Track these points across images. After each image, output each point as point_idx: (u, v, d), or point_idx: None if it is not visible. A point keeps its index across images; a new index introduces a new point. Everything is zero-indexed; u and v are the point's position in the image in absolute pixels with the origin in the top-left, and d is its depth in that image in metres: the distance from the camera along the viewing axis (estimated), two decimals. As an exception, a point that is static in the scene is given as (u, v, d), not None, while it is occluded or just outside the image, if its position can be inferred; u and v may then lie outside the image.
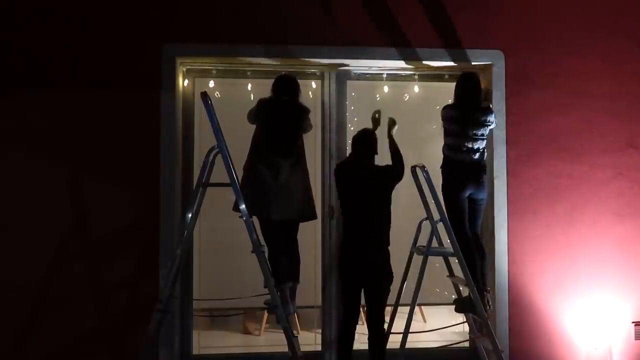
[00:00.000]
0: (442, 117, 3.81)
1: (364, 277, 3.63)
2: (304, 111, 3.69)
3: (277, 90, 3.67)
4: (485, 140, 3.79)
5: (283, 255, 3.53)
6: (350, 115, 4.38)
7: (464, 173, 3.72)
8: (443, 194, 3.74)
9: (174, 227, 3.92)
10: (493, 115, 3.82)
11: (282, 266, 3.50)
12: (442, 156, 3.84)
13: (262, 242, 3.40)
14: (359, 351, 3.73)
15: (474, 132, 3.71)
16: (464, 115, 3.71)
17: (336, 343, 3.85)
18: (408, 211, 4.29)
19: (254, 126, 3.69)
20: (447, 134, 3.78)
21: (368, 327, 3.68)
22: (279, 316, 3.22)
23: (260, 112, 3.59)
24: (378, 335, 3.66)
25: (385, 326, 3.89)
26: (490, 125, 3.79)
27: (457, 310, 3.85)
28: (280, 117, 3.56)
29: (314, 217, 3.76)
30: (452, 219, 3.68)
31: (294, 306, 3.60)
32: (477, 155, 3.74)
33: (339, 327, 3.84)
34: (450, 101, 3.90)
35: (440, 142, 3.96)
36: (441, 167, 3.82)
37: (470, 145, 3.70)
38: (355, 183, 3.68)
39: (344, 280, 3.73)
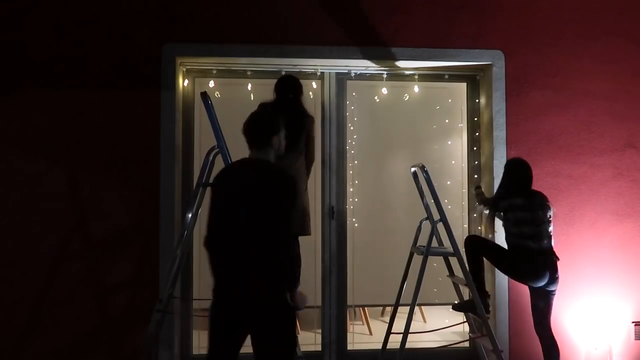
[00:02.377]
0: (504, 207, 3.56)
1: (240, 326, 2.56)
2: (308, 115, 3.65)
3: (281, 90, 3.63)
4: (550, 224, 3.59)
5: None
6: (350, 115, 4.38)
7: (543, 266, 3.49)
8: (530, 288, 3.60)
9: (174, 227, 3.92)
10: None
11: None
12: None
13: None
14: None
15: (546, 214, 3.53)
16: (531, 201, 3.52)
17: None
18: (408, 211, 4.29)
19: None
20: (511, 221, 3.52)
21: None
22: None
23: None
24: None
25: (385, 326, 3.89)
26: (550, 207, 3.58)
27: (455, 309, 3.85)
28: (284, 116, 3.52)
29: (309, 232, 3.64)
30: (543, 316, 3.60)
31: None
32: (540, 244, 3.52)
33: None
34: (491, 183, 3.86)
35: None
36: (513, 264, 3.59)
37: (539, 231, 3.49)
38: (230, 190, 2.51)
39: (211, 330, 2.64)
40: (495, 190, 3.93)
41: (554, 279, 3.53)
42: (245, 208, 2.45)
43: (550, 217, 3.57)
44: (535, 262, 3.49)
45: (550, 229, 3.56)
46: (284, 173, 2.54)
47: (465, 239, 3.68)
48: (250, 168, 2.56)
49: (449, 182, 4.51)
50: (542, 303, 3.59)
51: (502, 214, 3.61)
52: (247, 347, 2.52)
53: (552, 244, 3.59)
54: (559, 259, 3.57)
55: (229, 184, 2.55)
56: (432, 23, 4.18)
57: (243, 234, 2.45)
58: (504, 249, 3.61)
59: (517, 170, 3.60)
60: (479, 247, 3.63)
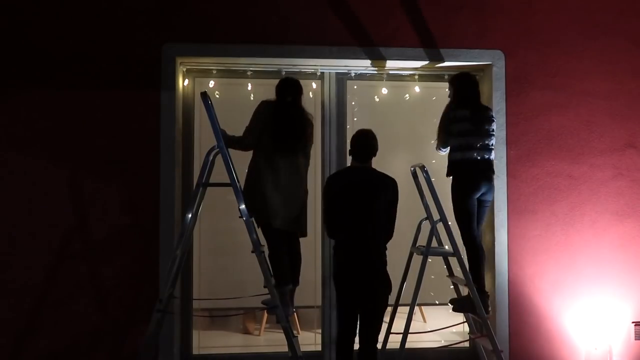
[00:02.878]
0: (449, 118, 3.74)
1: (359, 292, 3.35)
2: (308, 116, 3.65)
3: (281, 92, 3.61)
4: (493, 137, 3.77)
5: (284, 257, 3.52)
6: (350, 115, 4.38)
7: (476, 173, 3.68)
8: (453, 197, 3.70)
9: (174, 227, 3.93)
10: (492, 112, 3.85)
11: (283, 268, 3.48)
12: (440, 158, 3.80)
13: (263, 242, 3.39)
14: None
15: (487, 128, 3.70)
16: (476, 112, 3.70)
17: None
18: (408, 211, 4.29)
19: None
20: (457, 134, 3.68)
21: (360, 347, 3.41)
22: (279, 316, 3.22)
23: (265, 115, 3.53)
24: (370, 356, 3.40)
25: (385, 326, 3.89)
26: (494, 121, 3.80)
27: (455, 309, 3.85)
28: (285, 118, 3.52)
29: (305, 234, 3.68)
30: (462, 221, 3.67)
31: (292, 307, 3.58)
32: (489, 154, 3.72)
33: (336, 345, 3.53)
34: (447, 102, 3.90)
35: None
36: (448, 172, 3.76)
37: (485, 142, 3.68)
38: (348, 189, 3.40)
39: (338, 297, 3.45)
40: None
41: (487, 190, 3.70)
42: (369, 202, 3.34)
43: (493, 130, 3.74)
44: (471, 173, 3.66)
45: (492, 142, 3.74)
46: (392, 178, 3.46)
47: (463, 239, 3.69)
48: (366, 173, 3.45)
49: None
50: (478, 212, 3.74)
51: (449, 128, 3.74)
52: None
53: (493, 157, 3.76)
54: (494, 173, 3.78)
55: (351, 183, 3.39)
56: (432, 23, 4.18)
57: (364, 223, 3.33)
58: (449, 157, 3.76)
59: (466, 87, 3.77)
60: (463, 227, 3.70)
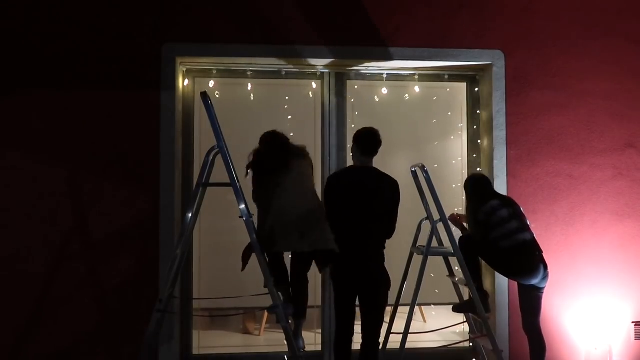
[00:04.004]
0: (485, 213, 3.59)
1: (358, 290, 3.35)
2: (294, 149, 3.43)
3: (266, 140, 3.39)
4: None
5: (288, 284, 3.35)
6: (350, 115, 4.38)
7: (531, 256, 3.54)
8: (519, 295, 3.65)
9: (174, 227, 3.92)
10: None
11: (298, 298, 3.32)
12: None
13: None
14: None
15: (518, 210, 3.66)
16: (503, 200, 3.69)
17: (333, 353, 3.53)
18: (408, 211, 4.29)
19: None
20: (496, 226, 3.55)
21: (362, 345, 3.40)
22: (279, 316, 3.22)
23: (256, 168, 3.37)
24: (372, 353, 3.40)
25: (385, 326, 3.89)
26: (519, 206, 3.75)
27: (455, 310, 3.86)
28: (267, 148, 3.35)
29: (327, 248, 3.22)
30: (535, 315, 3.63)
31: (303, 341, 3.40)
32: (530, 235, 3.60)
33: (334, 345, 3.50)
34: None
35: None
36: (501, 268, 3.67)
37: (524, 223, 3.60)
38: (350, 188, 3.37)
39: (336, 296, 3.43)
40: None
41: (545, 275, 3.56)
42: (370, 202, 3.34)
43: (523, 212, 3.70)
44: (532, 254, 3.53)
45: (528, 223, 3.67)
46: (393, 178, 3.46)
47: (459, 240, 3.66)
48: (368, 172, 3.44)
49: (449, 182, 4.51)
50: (534, 302, 3.61)
51: (485, 225, 3.59)
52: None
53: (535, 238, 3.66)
54: (542, 252, 3.64)
55: (353, 183, 3.39)
56: (432, 23, 4.19)
57: (365, 223, 3.33)
58: (499, 246, 3.58)
59: (481, 183, 3.77)
60: (474, 248, 3.63)
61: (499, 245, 3.54)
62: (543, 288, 3.61)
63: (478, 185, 3.76)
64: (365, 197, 3.35)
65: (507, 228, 3.54)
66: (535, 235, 3.62)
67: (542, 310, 3.65)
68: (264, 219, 3.25)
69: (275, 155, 3.31)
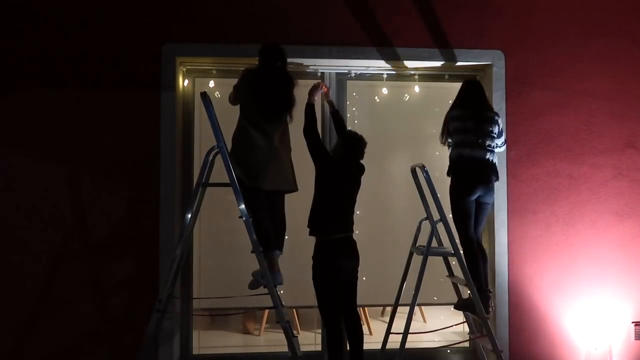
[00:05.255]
0: (448, 118, 3.82)
1: (342, 273, 3.58)
2: (292, 80, 3.66)
3: (269, 57, 3.59)
4: (495, 139, 3.78)
5: (267, 222, 3.50)
6: (350, 115, 4.38)
7: (474, 173, 3.69)
8: (450, 197, 3.72)
9: (173, 227, 3.93)
10: (498, 116, 3.86)
11: (268, 233, 3.46)
12: (440, 155, 3.82)
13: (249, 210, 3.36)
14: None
15: (486, 127, 3.72)
16: (474, 112, 3.75)
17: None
18: (408, 211, 4.29)
19: None
20: (455, 132, 3.75)
21: (348, 328, 3.62)
22: (279, 316, 3.22)
23: (251, 80, 3.53)
24: (359, 333, 3.61)
25: (385, 326, 3.89)
26: (499, 124, 3.82)
27: (457, 307, 3.86)
28: (274, 84, 3.52)
29: (296, 189, 3.69)
30: (458, 222, 3.69)
31: (281, 276, 3.54)
32: (488, 154, 3.73)
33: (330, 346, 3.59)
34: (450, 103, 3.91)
35: (437, 142, 3.97)
36: (448, 172, 3.79)
37: (482, 141, 3.70)
38: (340, 173, 3.65)
39: (325, 292, 3.56)
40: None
41: (487, 191, 3.71)
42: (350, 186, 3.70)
43: (495, 133, 3.76)
44: (471, 170, 3.67)
45: (494, 143, 3.75)
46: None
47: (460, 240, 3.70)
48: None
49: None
50: (479, 213, 3.76)
51: (448, 126, 3.81)
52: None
53: (495, 160, 3.77)
54: (497, 179, 3.79)
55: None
56: (432, 23, 4.18)
57: (348, 204, 3.68)
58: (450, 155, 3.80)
59: (468, 88, 3.89)
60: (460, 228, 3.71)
61: (449, 155, 3.80)
62: (486, 204, 3.78)
63: (467, 88, 3.89)
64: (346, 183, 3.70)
65: (461, 137, 3.70)
66: (493, 157, 3.75)
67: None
68: (250, 150, 3.53)
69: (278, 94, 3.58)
